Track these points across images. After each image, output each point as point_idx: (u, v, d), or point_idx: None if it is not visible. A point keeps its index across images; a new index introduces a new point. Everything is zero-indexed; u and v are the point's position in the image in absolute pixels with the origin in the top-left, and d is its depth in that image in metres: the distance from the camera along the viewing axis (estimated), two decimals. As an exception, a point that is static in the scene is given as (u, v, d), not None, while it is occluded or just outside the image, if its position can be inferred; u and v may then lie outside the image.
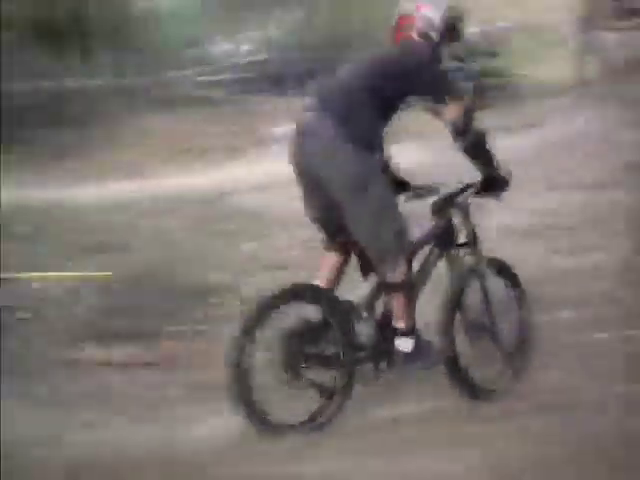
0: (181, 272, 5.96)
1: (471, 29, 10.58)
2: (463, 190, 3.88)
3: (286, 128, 10.20)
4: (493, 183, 3.87)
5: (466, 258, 3.92)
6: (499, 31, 12.40)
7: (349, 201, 3.57)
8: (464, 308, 3.83)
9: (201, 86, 12.20)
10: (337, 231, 3.72)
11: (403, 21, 3.95)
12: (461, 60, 10.59)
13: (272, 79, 12.04)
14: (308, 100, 3.80)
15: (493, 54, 10.85)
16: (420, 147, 8.47)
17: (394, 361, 3.73)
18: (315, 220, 3.81)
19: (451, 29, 3.96)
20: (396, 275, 3.63)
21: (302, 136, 3.69)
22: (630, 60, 8.89)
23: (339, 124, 3.55)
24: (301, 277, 5.69)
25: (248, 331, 3.46)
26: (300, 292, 3.63)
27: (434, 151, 7.55)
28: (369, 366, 3.71)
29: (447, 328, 3.76)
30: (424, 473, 3.08)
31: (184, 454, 3.38)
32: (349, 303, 3.69)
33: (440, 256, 3.89)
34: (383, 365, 3.73)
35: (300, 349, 3.54)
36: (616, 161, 7.64)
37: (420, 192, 3.92)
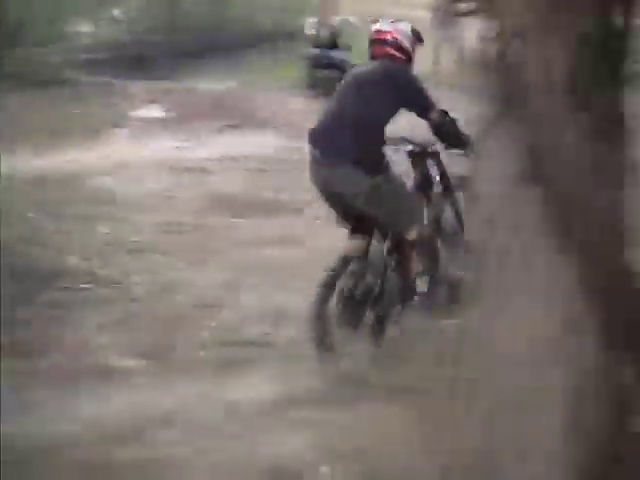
0: (35, 255, 5.80)
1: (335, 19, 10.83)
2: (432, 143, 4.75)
3: (145, 111, 10.23)
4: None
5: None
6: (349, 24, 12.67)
7: (369, 206, 4.41)
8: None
9: (58, 67, 11.81)
10: (358, 222, 4.54)
11: (380, 35, 4.54)
12: (338, 47, 10.80)
13: (133, 61, 11.82)
14: (314, 133, 4.61)
15: (348, 46, 11.00)
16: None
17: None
18: (339, 217, 4.71)
19: (419, 39, 4.63)
20: (413, 234, 4.51)
21: (317, 165, 4.51)
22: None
23: (347, 152, 4.30)
24: (157, 260, 5.75)
25: (330, 284, 4.39)
26: (354, 258, 4.50)
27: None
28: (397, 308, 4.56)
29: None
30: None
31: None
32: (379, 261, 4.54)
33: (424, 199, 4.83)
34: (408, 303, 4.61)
35: (354, 296, 4.44)
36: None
37: (395, 142, 4.68)
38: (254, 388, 4.19)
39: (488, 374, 2.49)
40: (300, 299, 5.18)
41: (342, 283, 4.44)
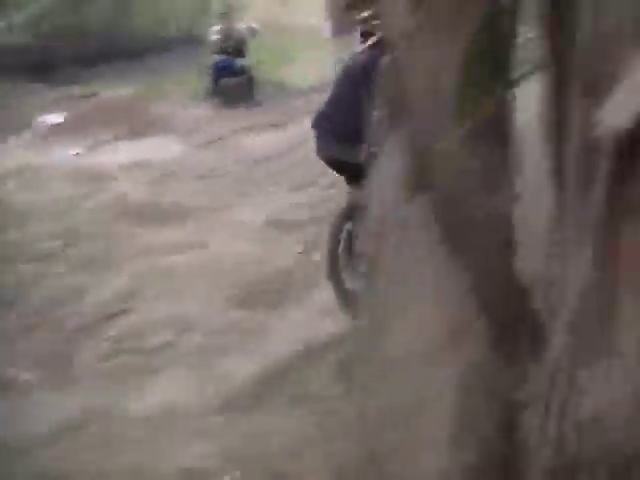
0: None
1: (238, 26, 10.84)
2: None
3: (48, 117, 10.03)
4: None
5: None
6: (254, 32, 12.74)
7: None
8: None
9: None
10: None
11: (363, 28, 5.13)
12: (242, 55, 10.81)
13: (36, 66, 11.56)
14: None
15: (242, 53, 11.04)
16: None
17: None
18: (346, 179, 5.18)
19: None
20: None
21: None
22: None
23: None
24: (58, 268, 5.67)
25: (340, 225, 4.84)
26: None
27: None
28: None
29: None
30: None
31: None
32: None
33: None
34: None
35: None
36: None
37: None
38: (157, 397, 4.19)
39: (380, 378, 2.53)
40: (204, 306, 5.22)
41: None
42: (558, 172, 1.92)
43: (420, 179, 2.51)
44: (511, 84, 2.66)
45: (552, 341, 1.79)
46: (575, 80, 1.77)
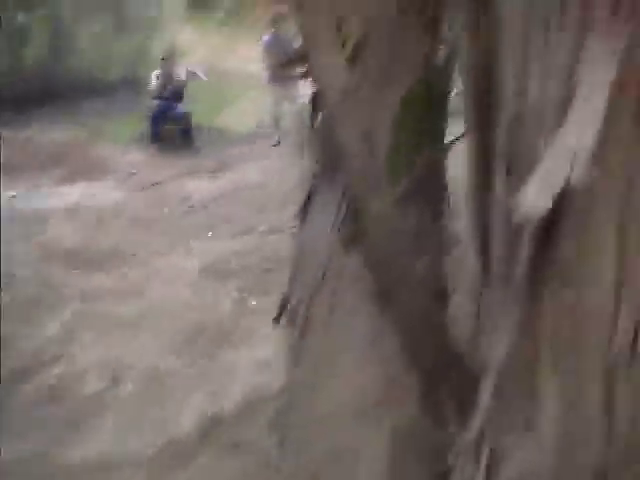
0: None
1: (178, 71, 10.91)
2: None
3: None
4: None
5: None
6: (195, 76, 12.82)
7: None
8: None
9: None
10: None
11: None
12: (181, 100, 10.86)
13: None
14: None
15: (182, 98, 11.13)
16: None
17: None
18: None
19: None
20: None
21: None
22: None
23: None
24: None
25: None
26: None
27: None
28: None
29: None
30: None
31: None
32: None
33: None
34: None
35: None
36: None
37: None
38: (90, 448, 4.18)
39: (313, 432, 2.54)
40: (139, 353, 5.21)
41: None
42: (484, 242, 2.01)
43: (353, 234, 2.54)
44: (443, 149, 2.77)
45: (478, 404, 1.86)
46: (499, 157, 1.87)
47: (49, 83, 11.98)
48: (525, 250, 1.66)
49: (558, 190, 1.51)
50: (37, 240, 7.16)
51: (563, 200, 1.53)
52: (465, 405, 2.24)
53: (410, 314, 2.48)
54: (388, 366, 2.46)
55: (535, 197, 1.53)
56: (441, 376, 2.47)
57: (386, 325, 2.47)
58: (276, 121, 10.80)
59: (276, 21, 10.40)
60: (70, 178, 9.26)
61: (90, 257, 6.89)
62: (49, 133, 10.49)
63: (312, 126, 2.79)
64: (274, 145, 10.65)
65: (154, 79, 10.89)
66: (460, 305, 2.55)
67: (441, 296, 2.69)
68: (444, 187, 2.82)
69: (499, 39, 1.83)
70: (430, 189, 2.69)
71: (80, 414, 4.54)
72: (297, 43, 9.31)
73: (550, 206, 1.51)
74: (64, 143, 10.31)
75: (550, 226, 1.60)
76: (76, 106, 11.81)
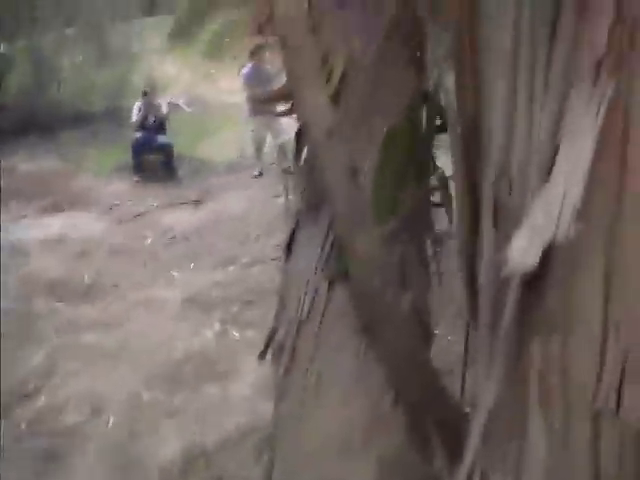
0: None
1: (160, 102, 10.95)
2: None
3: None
4: None
5: None
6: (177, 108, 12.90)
7: None
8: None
9: None
10: None
11: None
12: (163, 131, 10.89)
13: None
14: None
15: (164, 129, 11.18)
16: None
17: None
18: None
19: None
20: None
21: None
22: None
23: None
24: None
25: None
26: None
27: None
28: None
29: None
30: None
31: None
32: None
33: None
34: None
35: None
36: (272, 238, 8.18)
37: None
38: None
39: (298, 467, 2.52)
40: (119, 386, 5.20)
41: None
42: (472, 287, 2.04)
43: (338, 272, 2.55)
44: (428, 186, 2.80)
45: (468, 445, 1.88)
46: (486, 209, 1.91)
47: (32, 113, 12.00)
48: (512, 298, 1.69)
49: (545, 245, 1.56)
50: (20, 272, 7.14)
51: (550, 252, 1.58)
52: (450, 438, 2.26)
53: (395, 349, 2.48)
54: (374, 400, 2.46)
55: (522, 252, 1.57)
56: (427, 409, 2.48)
57: (372, 360, 2.48)
58: (258, 152, 10.84)
59: (256, 52, 10.47)
60: (53, 209, 9.26)
61: (73, 289, 6.88)
62: (32, 163, 10.48)
63: (297, 162, 2.81)
64: (256, 176, 10.69)
65: (136, 111, 10.92)
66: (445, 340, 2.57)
67: (425, 331, 2.70)
68: (429, 223, 2.84)
69: (485, 91, 1.87)
70: (415, 225, 2.72)
71: (60, 447, 4.52)
72: (277, 74, 9.43)
73: (537, 261, 1.56)
74: (47, 173, 10.31)
75: (537, 276, 1.64)
76: (59, 136, 11.84)
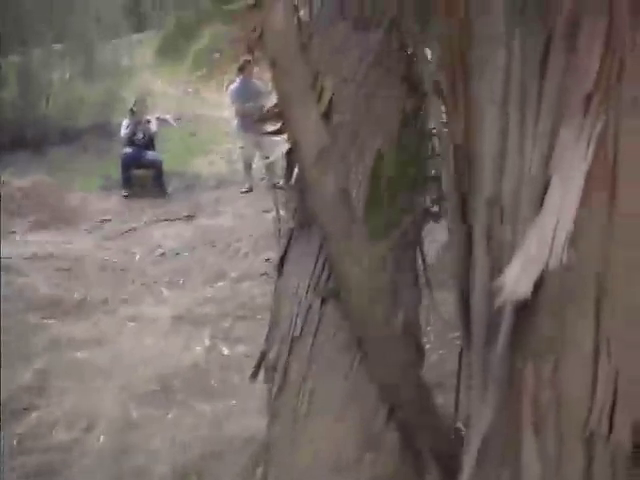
0: None
1: (149, 117, 10.95)
2: None
3: None
4: None
5: None
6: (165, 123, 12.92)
7: None
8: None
9: None
10: None
11: None
12: (152, 147, 10.90)
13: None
14: None
15: (153, 144, 11.20)
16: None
17: None
18: None
19: None
20: None
21: None
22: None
23: None
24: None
25: None
26: None
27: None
28: None
29: None
30: None
31: None
32: None
33: None
34: None
35: None
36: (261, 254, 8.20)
37: None
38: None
39: None
40: (110, 402, 5.19)
41: None
42: (465, 318, 2.07)
43: (331, 291, 2.57)
44: (419, 208, 2.81)
45: (463, 468, 1.89)
46: (478, 237, 1.94)
47: (21, 129, 11.98)
48: (506, 325, 1.72)
49: (538, 274, 1.59)
50: (8, 288, 7.12)
51: (542, 278, 1.61)
52: (443, 456, 2.28)
53: (387, 367, 2.50)
54: (366, 418, 2.46)
55: (516, 281, 1.61)
56: (419, 427, 2.49)
57: (364, 377, 2.49)
58: (247, 168, 10.86)
59: (244, 67, 10.49)
60: (41, 225, 9.24)
61: (62, 305, 6.87)
62: (21, 180, 10.45)
63: (287, 181, 2.81)
64: (245, 192, 10.71)
65: (124, 128, 10.93)
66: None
67: (417, 348, 2.73)
68: (419, 242, 2.86)
69: (476, 119, 1.90)
70: (406, 245, 2.74)
71: (51, 464, 4.50)
72: (266, 89, 9.46)
73: (530, 291, 1.59)
74: (36, 189, 10.28)
75: (530, 302, 1.67)
76: (47, 152, 11.84)
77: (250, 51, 2.92)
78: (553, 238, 1.59)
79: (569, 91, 1.65)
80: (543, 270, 1.60)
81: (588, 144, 1.59)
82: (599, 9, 1.59)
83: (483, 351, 1.89)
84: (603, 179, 1.62)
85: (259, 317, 5.97)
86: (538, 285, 1.62)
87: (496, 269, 1.73)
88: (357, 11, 2.73)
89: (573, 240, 1.60)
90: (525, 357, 1.77)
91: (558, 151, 1.66)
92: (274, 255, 4.53)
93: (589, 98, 1.60)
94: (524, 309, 1.70)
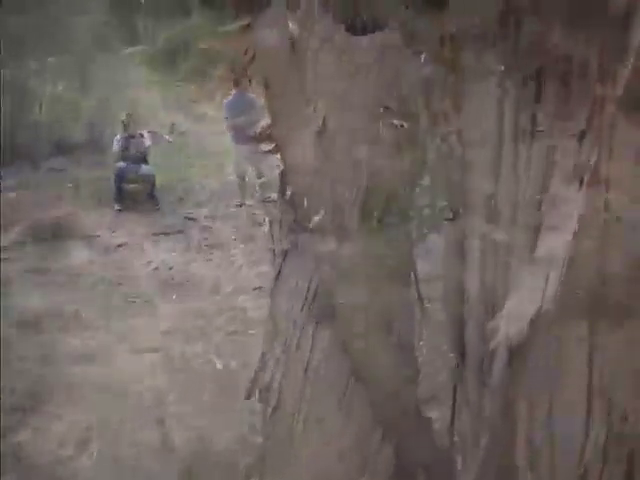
0: None
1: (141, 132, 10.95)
2: None
3: None
4: None
5: None
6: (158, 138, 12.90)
7: None
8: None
9: None
10: None
11: None
12: (145, 161, 10.90)
13: None
14: None
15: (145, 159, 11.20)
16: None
17: None
18: None
19: None
20: None
21: None
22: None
23: None
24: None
25: None
26: None
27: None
28: None
29: None
30: None
31: None
32: None
33: None
34: None
35: None
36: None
37: None
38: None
39: None
40: (105, 419, 5.19)
41: None
42: (460, 345, 2.09)
43: (324, 313, 2.56)
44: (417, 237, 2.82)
45: None
46: (472, 277, 1.96)
47: (13, 142, 11.96)
48: (500, 366, 1.74)
49: (531, 318, 1.62)
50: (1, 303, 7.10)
51: (536, 319, 1.63)
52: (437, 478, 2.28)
53: (382, 387, 2.51)
54: (361, 440, 2.47)
55: (509, 326, 1.64)
56: (413, 449, 2.50)
57: (360, 396, 2.50)
58: (240, 181, 10.87)
59: (239, 82, 10.51)
60: (36, 238, 9.21)
61: (55, 320, 6.86)
62: (13, 192, 10.44)
63: (281, 199, 2.82)
64: (238, 205, 10.71)
65: (116, 142, 10.93)
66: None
67: (413, 370, 2.73)
68: (413, 266, 2.86)
69: (469, 156, 1.92)
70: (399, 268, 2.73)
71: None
72: (260, 103, 9.48)
73: (524, 334, 1.62)
74: (28, 202, 10.27)
75: (524, 342, 1.69)
76: (40, 165, 11.83)
77: (244, 72, 2.92)
78: (547, 280, 1.61)
79: (560, 134, 1.67)
80: (537, 312, 1.62)
81: (581, 184, 1.61)
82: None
83: (477, 381, 1.91)
84: (596, 218, 1.64)
85: (252, 332, 5.99)
86: (532, 326, 1.64)
87: (490, 312, 1.75)
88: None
89: (565, 281, 1.62)
90: (518, 395, 1.79)
91: (551, 191, 1.68)
92: (267, 269, 4.55)
93: (582, 137, 1.62)
94: (518, 348, 1.71)
